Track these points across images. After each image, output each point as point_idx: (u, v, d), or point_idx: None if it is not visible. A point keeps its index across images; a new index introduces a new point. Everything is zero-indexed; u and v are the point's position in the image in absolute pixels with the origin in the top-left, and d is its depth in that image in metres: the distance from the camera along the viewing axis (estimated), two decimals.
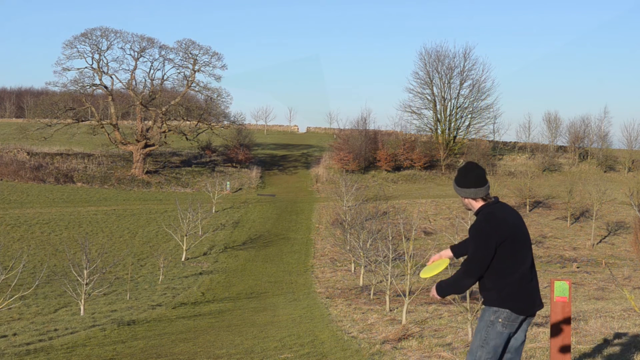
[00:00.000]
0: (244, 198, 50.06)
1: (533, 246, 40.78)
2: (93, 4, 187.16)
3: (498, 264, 4.53)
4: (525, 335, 4.69)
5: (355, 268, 29.45)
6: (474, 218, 4.95)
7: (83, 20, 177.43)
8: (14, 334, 14.21)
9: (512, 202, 47.27)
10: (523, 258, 4.57)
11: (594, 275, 30.51)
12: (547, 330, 10.56)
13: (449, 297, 17.60)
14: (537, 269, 4.92)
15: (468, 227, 11.05)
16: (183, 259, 31.59)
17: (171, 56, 57.74)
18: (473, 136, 69.79)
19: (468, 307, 10.59)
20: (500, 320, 4.53)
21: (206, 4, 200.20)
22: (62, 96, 55.73)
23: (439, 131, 68.61)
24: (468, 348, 9.31)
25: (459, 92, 68.29)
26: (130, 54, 56.58)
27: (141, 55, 56.76)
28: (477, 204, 4.83)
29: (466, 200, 4.88)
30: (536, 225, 44.01)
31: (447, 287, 4.74)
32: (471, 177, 4.80)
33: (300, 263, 31.94)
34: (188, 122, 59.23)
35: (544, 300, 4.99)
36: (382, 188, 51.69)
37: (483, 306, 4.63)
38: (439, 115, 68.81)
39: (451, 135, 68.21)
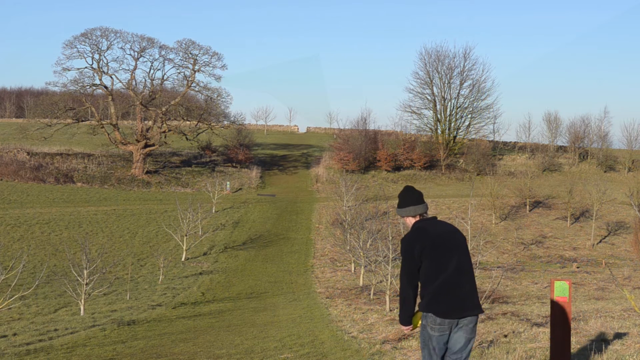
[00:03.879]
0: (244, 198, 50.06)
1: (533, 246, 40.71)
2: (93, 4, 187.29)
3: (424, 272, 4.82)
4: (467, 338, 4.80)
5: (355, 268, 29.45)
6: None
7: (83, 20, 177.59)
8: (14, 334, 14.20)
9: (512, 202, 47.29)
10: (446, 264, 4.80)
11: (594, 275, 30.50)
12: (547, 330, 10.56)
13: None
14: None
15: (468, 227, 11.06)
16: (183, 259, 31.59)
17: (171, 56, 57.80)
18: (473, 136, 69.83)
19: None
20: (428, 324, 4.80)
21: (206, 4, 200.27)
22: (62, 96, 55.72)
23: (439, 131, 68.63)
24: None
25: (459, 92, 68.39)
26: (130, 54, 56.65)
27: (141, 55, 56.79)
28: (414, 221, 5.14)
29: (407, 219, 5.20)
30: (536, 225, 44.01)
31: (400, 310, 5.01)
32: (410, 197, 5.15)
33: (300, 263, 31.95)
34: (188, 122, 59.22)
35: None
36: (382, 188, 51.67)
37: None
38: (439, 115, 68.83)
39: (451, 135, 68.20)
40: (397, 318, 5.07)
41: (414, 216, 5.14)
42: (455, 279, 4.81)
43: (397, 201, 5.35)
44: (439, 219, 5.11)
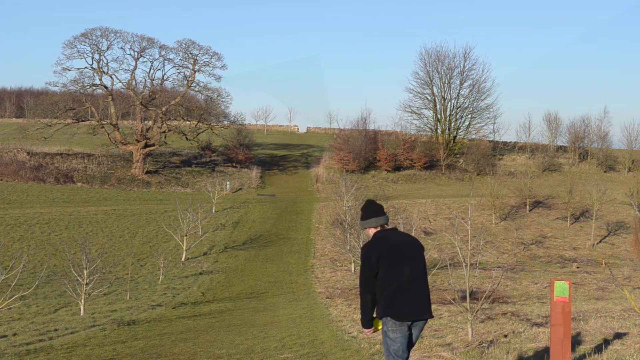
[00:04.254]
0: (244, 198, 50.06)
1: (533, 246, 40.70)
2: (93, 4, 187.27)
3: (380, 278, 5.18)
4: (415, 336, 5.31)
5: (355, 268, 29.45)
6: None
7: (83, 20, 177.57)
8: (14, 334, 14.20)
9: (512, 202, 47.29)
10: (400, 271, 5.18)
11: (594, 275, 30.50)
12: (547, 330, 10.56)
13: (448, 297, 17.60)
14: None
15: (468, 227, 11.07)
16: (183, 259, 31.59)
17: (171, 56, 57.79)
18: (473, 136, 69.79)
19: (468, 307, 10.59)
20: (388, 328, 5.16)
21: (206, 4, 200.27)
22: (62, 96, 55.71)
23: (439, 131, 68.61)
24: (468, 348, 9.33)
25: (459, 92, 68.36)
26: (130, 54, 56.64)
27: (141, 55, 56.78)
28: (374, 232, 5.51)
29: (369, 230, 5.54)
30: (536, 225, 44.01)
31: (361, 314, 5.36)
32: (372, 210, 5.54)
33: (300, 263, 31.95)
34: (188, 122, 59.21)
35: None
36: (382, 188, 51.64)
37: None
38: (439, 115, 68.82)
39: (451, 135, 68.20)
40: (361, 315, 5.46)
41: (375, 227, 5.50)
42: (409, 285, 5.19)
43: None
44: (400, 229, 5.66)
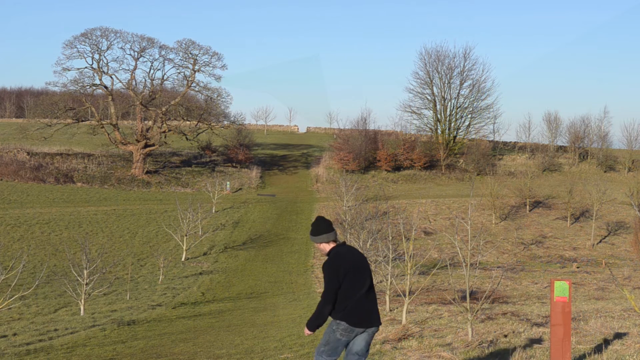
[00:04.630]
0: (244, 198, 50.06)
1: (533, 246, 40.72)
2: (93, 4, 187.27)
3: (343, 289, 5.80)
4: (368, 344, 5.95)
5: None
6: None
7: (83, 20, 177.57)
8: (14, 334, 14.21)
9: (512, 202, 47.29)
10: (361, 285, 5.85)
11: (594, 275, 30.50)
12: (547, 330, 10.56)
13: (448, 297, 17.61)
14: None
15: (468, 227, 11.06)
16: (183, 259, 31.59)
17: (171, 56, 57.77)
18: (473, 136, 69.79)
19: (468, 307, 10.59)
20: (339, 329, 5.81)
21: (206, 4, 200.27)
22: (62, 96, 55.70)
23: (439, 131, 68.60)
24: (468, 348, 9.33)
25: (459, 92, 68.35)
26: (130, 54, 56.62)
27: (141, 55, 56.76)
28: (329, 247, 6.02)
29: (321, 245, 6.05)
30: (536, 225, 44.01)
31: (314, 320, 5.87)
32: (322, 226, 6.03)
33: (300, 263, 31.95)
34: (188, 122, 59.20)
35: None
36: (382, 188, 51.67)
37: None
38: (439, 115, 68.82)
39: (451, 135, 68.19)
40: (306, 329, 6.09)
41: (327, 242, 6.01)
42: (365, 296, 5.88)
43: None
44: (351, 245, 6.20)
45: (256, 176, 58.91)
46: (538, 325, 12.24)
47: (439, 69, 68.13)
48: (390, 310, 16.43)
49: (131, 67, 56.98)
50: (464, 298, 11.82)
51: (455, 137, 68.49)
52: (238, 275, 28.47)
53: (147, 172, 54.87)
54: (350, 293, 5.80)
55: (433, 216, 43.97)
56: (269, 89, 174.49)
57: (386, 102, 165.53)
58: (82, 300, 18.77)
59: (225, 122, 60.44)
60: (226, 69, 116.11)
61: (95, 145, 58.39)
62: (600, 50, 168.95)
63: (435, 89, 68.54)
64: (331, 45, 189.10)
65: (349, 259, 5.87)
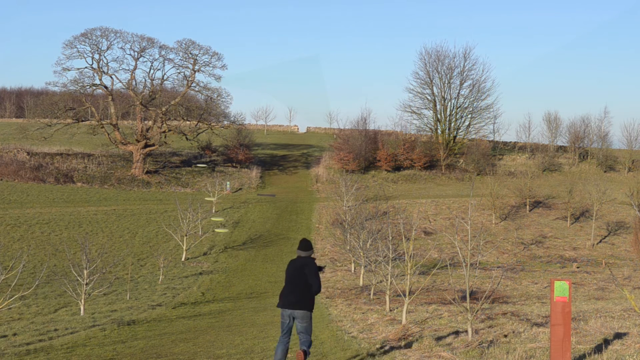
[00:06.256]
0: (244, 198, 50.07)
1: (533, 246, 40.80)
2: (93, 4, 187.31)
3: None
4: (301, 325, 8.60)
5: (355, 268, 29.46)
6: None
7: (83, 20, 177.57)
8: (14, 334, 14.21)
9: (512, 202, 47.29)
10: (290, 280, 8.84)
11: (594, 275, 30.50)
12: (547, 330, 10.56)
13: (448, 297, 17.60)
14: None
15: (468, 227, 11.07)
16: (183, 259, 31.59)
17: (171, 56, 57.75)
18: (473, 136, 69.77)
19: (468, 307, 10.59)
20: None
21: (206, 4, 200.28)
22: (62, 96, 55.68)
23: (439, 131, 68.60)
24: (468, 348, 9.32)
25: (459, 92, 68.35)
26: (130, 54, 56.61)
27: (141, 55, 56.74)
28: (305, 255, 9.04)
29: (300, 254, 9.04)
30: (536, 225, 44.01)
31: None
32: (302, 246, 9.01)
33: None
34: (188, 122, 59.19)
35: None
36: (382, 188, 51.67)
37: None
38: (439, 115, 68.82)
39: (451, 135, 68.19)
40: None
41: (300, 255, 8.98)
42: (290, 288, 8.72)
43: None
44: (307, 256, 8.98)
45: (256, 176, 58.92)
46: (538, 325, 12.24)
47: (439, 69, 68.19)
48: (390, 310, 16.43)
49: (131, 67, 57.03)
50: (464, 298, 11.83)
51: (455, 137, 68.49)
52: (238, 275, 28.47)
53: (147, 172, 54.87)
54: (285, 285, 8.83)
55: (433, 216, 43.97)
56: (269, 89, 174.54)
57: (386, 102, 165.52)
58: (82, 300, 18.77)
59: (225, 122, 60.43)
60: (226, 69, 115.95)
61: (95, 145, 58.39)
62: (600, 50, 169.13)
63: (435, 89, 68.63)
64: (331, 45, 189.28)
65: (294, 263, 8.88)
